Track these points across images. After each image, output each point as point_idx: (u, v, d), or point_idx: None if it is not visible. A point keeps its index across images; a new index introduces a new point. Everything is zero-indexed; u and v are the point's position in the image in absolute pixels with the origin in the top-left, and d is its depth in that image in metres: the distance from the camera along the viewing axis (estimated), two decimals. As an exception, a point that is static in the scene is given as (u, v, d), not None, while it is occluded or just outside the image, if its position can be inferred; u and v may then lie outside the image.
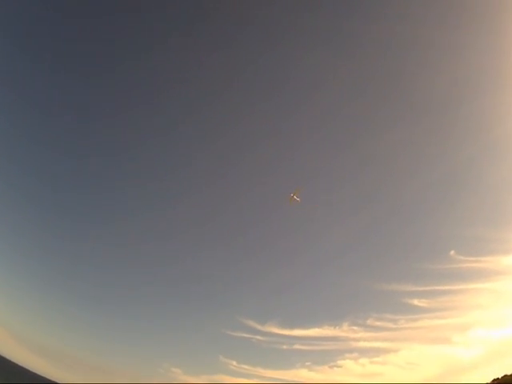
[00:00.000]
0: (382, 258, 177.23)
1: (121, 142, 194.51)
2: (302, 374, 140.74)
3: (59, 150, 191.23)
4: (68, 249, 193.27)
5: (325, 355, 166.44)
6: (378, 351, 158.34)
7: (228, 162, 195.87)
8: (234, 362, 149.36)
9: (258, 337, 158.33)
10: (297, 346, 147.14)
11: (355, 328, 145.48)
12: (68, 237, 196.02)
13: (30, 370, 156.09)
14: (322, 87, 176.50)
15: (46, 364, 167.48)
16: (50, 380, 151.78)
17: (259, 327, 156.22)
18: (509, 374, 54.20)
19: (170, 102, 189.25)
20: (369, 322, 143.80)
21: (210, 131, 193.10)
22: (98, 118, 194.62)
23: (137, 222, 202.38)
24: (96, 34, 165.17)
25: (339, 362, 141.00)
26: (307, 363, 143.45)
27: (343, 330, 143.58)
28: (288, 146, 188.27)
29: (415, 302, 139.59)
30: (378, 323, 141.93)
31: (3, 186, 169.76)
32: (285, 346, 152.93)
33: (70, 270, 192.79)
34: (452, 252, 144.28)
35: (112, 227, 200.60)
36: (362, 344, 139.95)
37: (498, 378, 49.84)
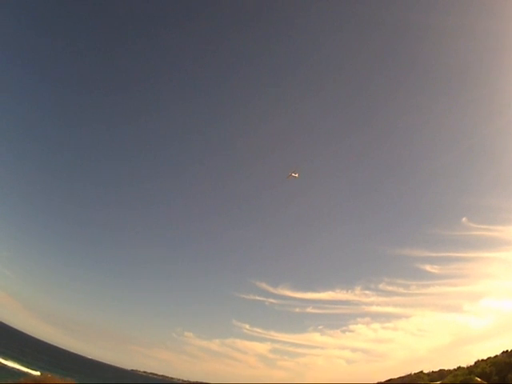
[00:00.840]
0: (396, 222, 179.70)
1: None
2: (315, 337, 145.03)
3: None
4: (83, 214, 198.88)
5: (337, 319, 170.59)
6: (389, 316, 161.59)
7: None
8: (247, 326, 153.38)
9: (271, 299, 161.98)
10: (309, 310, 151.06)
11: (367, 292, 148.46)
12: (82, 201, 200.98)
13: (44, 340, 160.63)
14: (339, 69, 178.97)
15: (57, 332, 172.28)
16: (63, 348, 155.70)
17: (272, 290, 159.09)
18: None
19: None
20: (381, 286, 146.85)
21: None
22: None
23: (151, 183, 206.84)
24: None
25: (351, 327, 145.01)
26: (320, 327, 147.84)
27: (356, 294, 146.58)
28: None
29: (427, 267, 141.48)
30: (390, 288, 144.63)
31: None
32: (297, 309, 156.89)
33: (83, 234, 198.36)
34: (464, 219, 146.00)
35: (129, 190, 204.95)
36: (373, 309, 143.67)
37: (507, 351, 51.81)
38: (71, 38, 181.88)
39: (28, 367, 53.03)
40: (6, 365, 50.62)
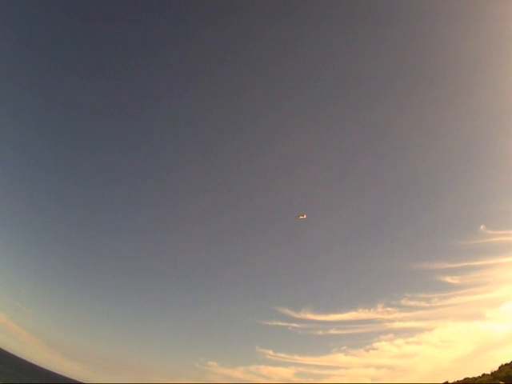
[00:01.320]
0: (414, 237, 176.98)
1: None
2: (339, 358, 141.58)
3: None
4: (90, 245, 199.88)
5: (360, 338, 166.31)
6: (412, 331, 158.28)
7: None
8: (271, 352, 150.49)
9: (294, 324, 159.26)
10: (332, 331, 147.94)
11: (389, 309, 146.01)
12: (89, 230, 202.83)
13: (62, 374, 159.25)
14: (341, 55, 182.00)
15: (79, 367, 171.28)
16: (84, 383, 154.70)
17: (294, 314, 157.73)
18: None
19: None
20: (403, 302, 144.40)
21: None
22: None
23: (165, 209, 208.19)
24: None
25: (375, 345, 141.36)
26: (343, 347, 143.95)
27: (378, 312, 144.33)
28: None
29: (447, 279, 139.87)
30: (412, 303, 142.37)
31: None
32: (320, 332, 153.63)
33: (98, 267, 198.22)
34: (482, 227, 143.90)
35: (141, 217, 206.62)
36: (396, 325, 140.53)
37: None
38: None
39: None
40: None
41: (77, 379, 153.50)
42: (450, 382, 67.55)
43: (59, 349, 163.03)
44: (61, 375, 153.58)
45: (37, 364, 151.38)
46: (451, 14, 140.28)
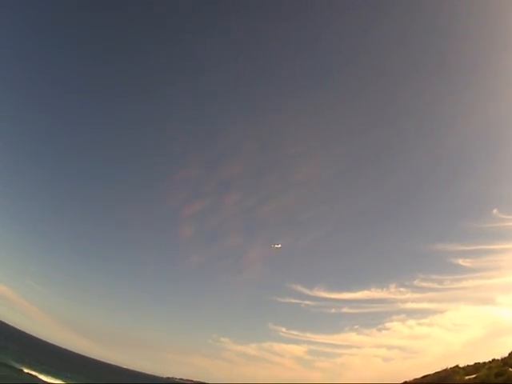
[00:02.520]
0: (426, 218, 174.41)
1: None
2: (351, 337, 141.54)
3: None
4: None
5: (373, 318, 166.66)
6: (424, 312, 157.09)
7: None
8: (283, 329, 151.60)
9: (307, 302, 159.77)
10: (345, 310, 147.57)
11: (402, 289, 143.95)
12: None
13: (79, 352, 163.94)
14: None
15: (91, 344, 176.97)
16: (99, 360, 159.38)
17: (307, 292, 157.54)
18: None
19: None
20: (416, 282, 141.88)
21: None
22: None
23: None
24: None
25: (387, 325, 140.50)
26: (356, 326, 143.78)
27: (390, 292, 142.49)
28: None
29: (460, 261, 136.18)
30: (425, 284, 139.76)
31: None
32: (333, 310, 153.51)
33: (111, 240, 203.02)
34: (495, 211, 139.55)
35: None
36: (409, 305, 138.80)
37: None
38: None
39: (55, 377, 54.38)
40: (35, 375, 52.01)
41: (88, 355, 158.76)
42: (460, 365, 65.39)
43: (71, 325, 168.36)
44: (73, 352, 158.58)
45: (49, 341, 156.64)
46: None
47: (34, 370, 51.23)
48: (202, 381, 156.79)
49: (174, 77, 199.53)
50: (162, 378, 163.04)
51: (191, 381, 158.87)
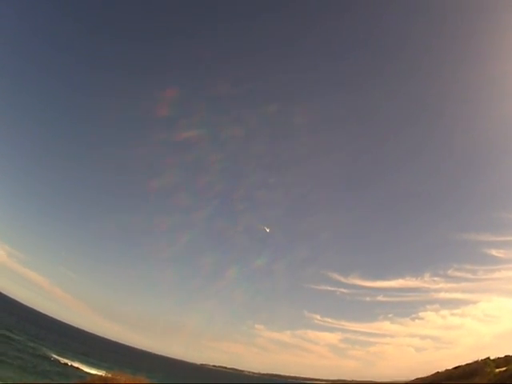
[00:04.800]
0: (461, 207, 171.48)
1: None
2: (385, 326, 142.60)
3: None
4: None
5: (407, 307, 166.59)
6: (457, 303, 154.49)
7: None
8: (318, 316, 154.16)
9: (342, 289, 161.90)
10: (379, 298, 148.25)
11: (436, 279, 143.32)
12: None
13: (112, 339, 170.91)
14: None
15: (126, 330, 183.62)
16: (132, 346, 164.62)
17: (343, 279, 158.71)
18: None
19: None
20: (449, 272, 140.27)
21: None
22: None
23: None
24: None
25: (421, 314, 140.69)
26: (390, 315, 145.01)
27: (425, 281, 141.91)
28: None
29: (493, 252, 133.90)
30: (458, 274, 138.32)
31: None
32: (368, 298, 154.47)
33: (146, 228, 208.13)
34: None
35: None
36: (442, 295, 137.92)
37: None
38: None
39: (96, 368, 57.75)
40: (77, 367, 55.47)
41: (124, 342, 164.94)
42: (491, 357, 64.60)
43: (105, 312, 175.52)
44: (108, 339, 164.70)
45: (85, 329, 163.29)
46: None
47: (76, 362, 54.80)
48: (236, 367, 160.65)
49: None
50: (195, 364, 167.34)
51: (225, 367, 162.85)
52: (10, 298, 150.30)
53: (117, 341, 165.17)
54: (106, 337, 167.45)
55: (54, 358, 51.60)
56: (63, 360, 52.79)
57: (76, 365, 53.37)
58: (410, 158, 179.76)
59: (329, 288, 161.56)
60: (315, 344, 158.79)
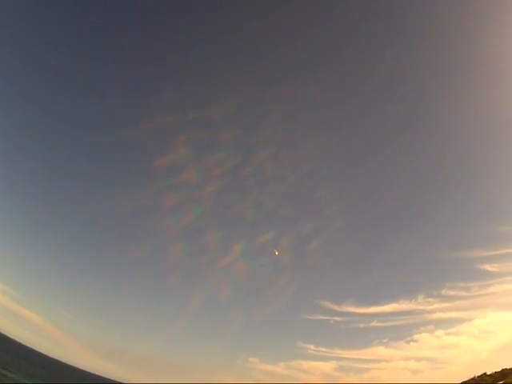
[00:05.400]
0: (451, 225, 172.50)
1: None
2: (380, 351, 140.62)
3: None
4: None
5: (401, 330, 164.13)
6: (452, 322, 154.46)
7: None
8: (312, 346, 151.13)
9: (336, 317, 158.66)
10: (373, 324, 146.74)
11: (430, 300, 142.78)
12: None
13: (99, 374, 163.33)
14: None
15: (117, 367, 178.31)
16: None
17: (336, 308, 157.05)
18: None
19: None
20: (443, 291, 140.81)
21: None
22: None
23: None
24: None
25: (415, 336, 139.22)
26: (384, 340, 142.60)
27: (419, 303, 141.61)
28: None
29: (487, 267, 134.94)
30: (452, 292, 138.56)
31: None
32: (362, 325, 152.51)
33: (136, 263, 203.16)
34: None
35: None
36: (437, 315, 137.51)
37: None
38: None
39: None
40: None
41: (116, 379, 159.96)
42: (488, 372, 65.45)
43: (98, 350, 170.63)
44: (100, 376, 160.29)
45: (77, 366, 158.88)
46: None
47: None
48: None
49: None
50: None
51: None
52: (6, 336, 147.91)
53: (114, 379, 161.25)
54: (100, 374, 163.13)
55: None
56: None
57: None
58: (400, 177, 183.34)
59: (322, 317, 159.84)
60: (310, 374, 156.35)
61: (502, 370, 60.51)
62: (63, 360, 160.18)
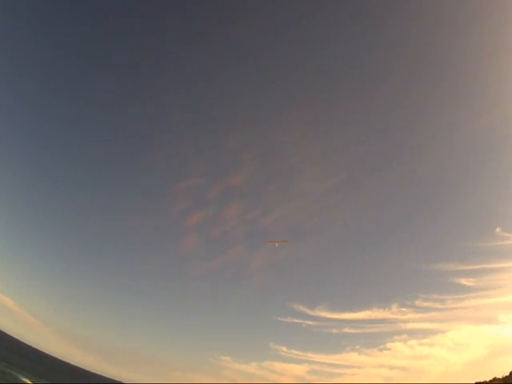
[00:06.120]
0: (428, 237, 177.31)
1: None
2: (352, 357, 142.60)
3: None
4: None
5: (374, 338, 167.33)
6: (426, 332, 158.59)
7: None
8: (284, 348, 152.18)
9: (309, 321, 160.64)
10: (346, 330, 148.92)
11: (404, 309, 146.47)
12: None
13: (79, 366, 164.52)
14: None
15: (92, 359, 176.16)
16: (101, 375, 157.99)
17: (309, 312, 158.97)
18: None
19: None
20: (417, 302, 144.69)
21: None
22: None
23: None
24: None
25: (388, 345, 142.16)
26: (357, 346, 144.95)
27: (392, 312, 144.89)
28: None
29: (462, 281, 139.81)
30: (426, 304, 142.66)
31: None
32: (335, 330, 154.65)
33: (115, 257, 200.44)
34: (498, 229, 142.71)
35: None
36: (410, 325, 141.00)
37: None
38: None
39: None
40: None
41: (91, 370, 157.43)
42: (460, 385, 67.93)
43: (73, 340, 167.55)
44: (76, 366, 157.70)
45: (54, 355, 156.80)
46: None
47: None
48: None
49: (176, 84, 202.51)
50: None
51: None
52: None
53: (84, 368, 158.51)
54: (74, 363, 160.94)
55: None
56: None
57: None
58: (376, 186, 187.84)
59: (295, 320, 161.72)
60: (281, 375, 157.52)
61: (476, 383, 62.54)
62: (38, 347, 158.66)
